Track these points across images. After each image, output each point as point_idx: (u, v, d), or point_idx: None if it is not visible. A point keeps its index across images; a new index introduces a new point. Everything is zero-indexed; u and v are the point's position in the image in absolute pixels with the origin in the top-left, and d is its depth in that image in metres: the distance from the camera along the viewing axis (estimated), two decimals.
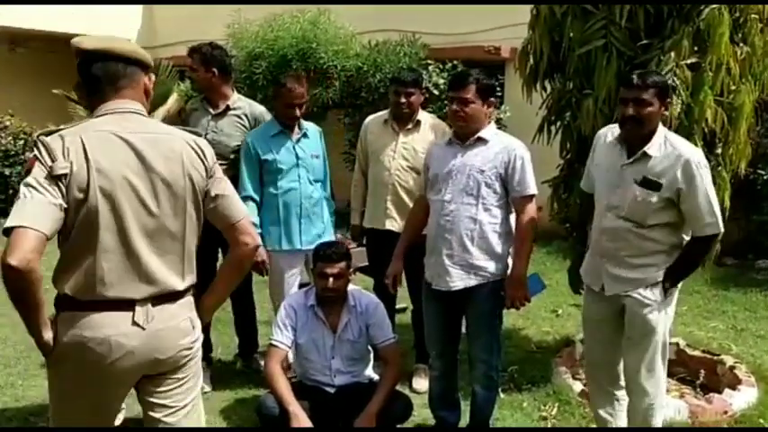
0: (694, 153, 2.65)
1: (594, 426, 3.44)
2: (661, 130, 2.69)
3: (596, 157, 2.91)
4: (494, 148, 3.00)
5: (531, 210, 2.99)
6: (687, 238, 2.73)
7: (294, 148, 3.70)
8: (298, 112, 3.64)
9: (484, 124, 3.04)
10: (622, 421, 2.99)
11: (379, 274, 3.89)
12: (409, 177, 3.81)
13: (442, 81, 7.39)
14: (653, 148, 2.64)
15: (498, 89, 7.66)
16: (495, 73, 7.77)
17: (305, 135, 3.76)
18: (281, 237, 3.71)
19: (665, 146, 2.65)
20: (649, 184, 2.63)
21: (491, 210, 2.98)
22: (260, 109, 3.98)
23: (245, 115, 3.87)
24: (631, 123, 2.64)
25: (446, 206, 3.01)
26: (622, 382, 2.93)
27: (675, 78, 3.28)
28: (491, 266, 3.00)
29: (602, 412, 3.01)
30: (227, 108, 3.81)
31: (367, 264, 4.00)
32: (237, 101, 3.89)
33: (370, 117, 4.10)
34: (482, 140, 3.02)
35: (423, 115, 3.92)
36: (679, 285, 2.79)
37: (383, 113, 4.00)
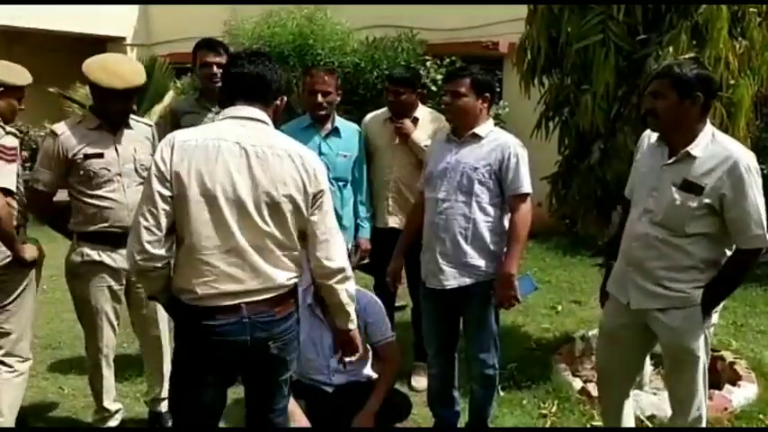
0: (744, 155, 2.39)
1: (594, 424, 3.44)
2: (708, 129, 2.45)
3: (638, 159, 2.71)
4: (488, 145, 2.98)
5: (524, 209, 2.95)
6: (726, 255, 2.49)
7: (320, 143, 3.65)
8: (320, 99, 3.58)
9: (479, 120, 3.01)
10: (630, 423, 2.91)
11: (381, 273, 3.87)
12: (409, 173, 3.78)
13: (439, 77, 7.36)
14: (697, 148, 2.41)
15: (496, 85, 7.64)
16: (493, 68, 7.76)
17: (336, 132, 3.70)
18: None
19: (712, 145, 2.41)
20: (690, 187, 2.39)
21: (485, 208, 2.95)
22: None
23: None
24: (650, 116, 2.50)
25: (440, 204, 2.99)
26: (630, 393, 2.83)
27: None
28: (485, 265, 2.97)
29: (611, 423, 2.91)
30: None
31: (367, 261, 3.97)
32: None
33: (370, 115, 4.06)
34: (477, 137, 3.00)
35: (421, 111, 3.88)
36: (719, 307, 2.59)
37: (383, 111, 3.97)
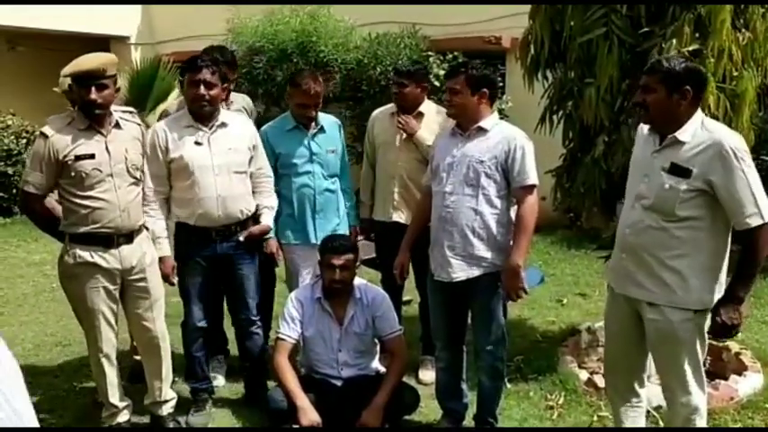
0: (730, 138, 2.40)
1: (601, 415, 3.46)
2: (698, 116, 2.48)
3: (634, 150, 2.76)
4: (494, 138, 2.99)
5: (531, 200, 2.97)
6: (720, 242, 2.50)
7: (309, 143, 3.67)
8: (312, 113, 3.63)
9: (480, 114, 3.03)
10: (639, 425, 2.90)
11: (387, 268, 3.88)
12: (416, 169, 3.79)
13: (442, 72, 7.36)
14: (685, 133, 2.45)
15: (499, 79, 7.64)
16: (495, 63, 7.76)
17: (321, 130, 3.72)
18: (294, 231, 3.70)
19: (701, 131, 2.44)
20: (678, 170, 2.43)
21: (492, 200, 2.98)
22: (249, 99, 4.15)
23: (244, 108, 3.96)
24: (641, 109, 2.55)
25: (447, 197, 3.01)
26: (639, 389, 2.83)
27: None
28: (493, 257, 2.99)
29: (618, 416, 2.90)
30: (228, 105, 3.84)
31: (373, 256, 4.00)
32: (232, 96, 3.95)
33: (378, 110, 4.07)
34: (482, 130, 3.02)
35: (427, 106, 3.89)
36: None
37: (390, 106, 3.98)
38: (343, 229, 3.77)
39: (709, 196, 2.43)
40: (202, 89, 3.23)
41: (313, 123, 3.70)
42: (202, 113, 3.30)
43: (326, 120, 3.80)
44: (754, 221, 2.37)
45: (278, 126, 3.75)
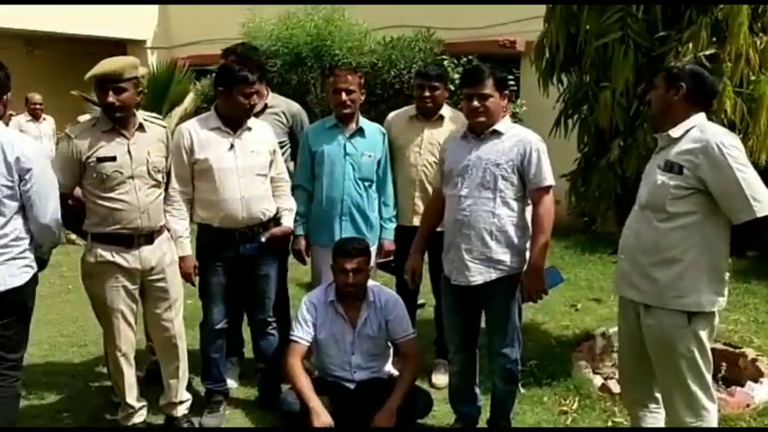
0: (720, 135, 2.41)
1: (615, 421, 3.44)
2: (696, 118, 2.50)
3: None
4: (509, 140, 2.99)
5: (547, 201, 2.96)
6: (716, 243, 2.47)
7: (344, 143, 3.67)
8: (344, 97, 3.60)
9: (500, 117, 3.04)
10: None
11: (402, 271, 3.87)
12: (435, 172, 3.79)
13: (457, 76, 7.36)
14: (678, 130, 2.50)
15: (514, 83, 7.63)
16: (510, 67, 7.75)
17: (361, 132, 3.72)
18: (321, 232, 3.70)
19: (695, 132, 2.47)
20: (670, 166, 2.46)
21: (509, 203, 2.97)
22: (296, 107, 4.06)
23: (283, 113, 3.95)
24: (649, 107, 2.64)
25: (463, 201, 3.00)
26: (657, 394, 2.77)
27: None
28: (510, 260, 2.98)
29: (635, 421, 2.87)
30: (265, 106, 3.85)
31: (388, 259, 3.99)
32: (273, 99, 3.95)
33: (394, 113, 4.06)
34: (497, 133, 3.01)
35: (445, 110, 3.90)
36: (721, 305, 2.51)
37: (407, 109, 3.98)
38: (373, 239, 3.69)
39: (704, 195, 2.43)
40: (256, 98, 3.40)
41: (353, 125, 3.71)
42: (246, 119, 3.41)
43: (369, 125, 3.79)
44: (746, 216, 2.36)
45: (319, 125, 3.80)
